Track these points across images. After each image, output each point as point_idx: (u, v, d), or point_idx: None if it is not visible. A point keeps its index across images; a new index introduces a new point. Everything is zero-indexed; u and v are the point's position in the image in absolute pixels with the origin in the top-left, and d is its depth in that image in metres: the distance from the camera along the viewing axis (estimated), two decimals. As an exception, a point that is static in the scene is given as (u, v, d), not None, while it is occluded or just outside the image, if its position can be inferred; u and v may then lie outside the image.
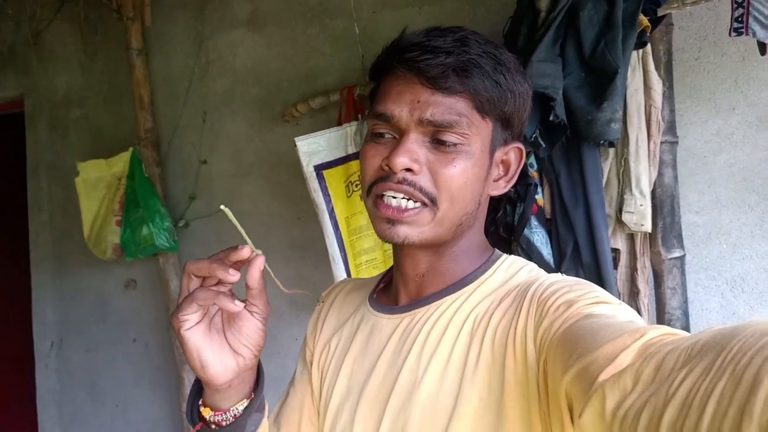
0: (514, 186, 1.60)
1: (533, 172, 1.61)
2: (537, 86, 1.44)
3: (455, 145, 0.71)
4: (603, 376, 0.47)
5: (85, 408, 2.83)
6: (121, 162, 2.51)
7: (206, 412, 0.74)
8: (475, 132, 0.72)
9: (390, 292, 0.87)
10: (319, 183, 1.95)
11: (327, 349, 0.88)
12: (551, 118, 1.46)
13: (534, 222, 1.60)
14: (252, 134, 2.46)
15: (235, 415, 0.74)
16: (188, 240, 2.57)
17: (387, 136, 0.74)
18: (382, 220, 0.74)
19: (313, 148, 1.95)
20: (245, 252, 0.68)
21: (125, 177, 2.48)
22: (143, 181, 2.45)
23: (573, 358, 0.53)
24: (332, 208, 1.95)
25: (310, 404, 0.91)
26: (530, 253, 1.58)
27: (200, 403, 0.75)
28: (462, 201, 0.73)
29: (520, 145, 0.79)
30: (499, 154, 0.76)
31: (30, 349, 2.96)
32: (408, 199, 0.72)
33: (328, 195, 1.95)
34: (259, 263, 0.69)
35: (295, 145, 1.94)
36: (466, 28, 0.75)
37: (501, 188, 0.79)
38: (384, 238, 0.74)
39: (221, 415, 0.74)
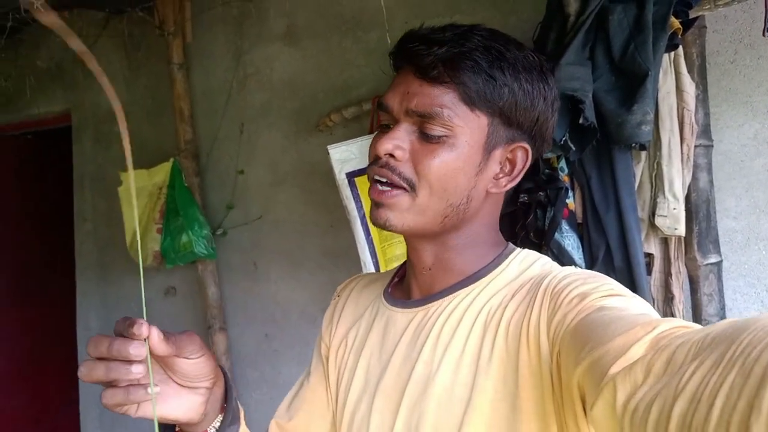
0: (545, 190, 1.60)
1: (564, 176, 1.61)
2: (566, 89, 1.44)
3: (439, 137, 0.72)
4: (614, 369, 0.48)
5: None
6: (162, 172, 2.59)
7: None
8: (460, 124, 0.72)
9: (403, 287, 0.88)
10: (351, 190, 1.97)
11: (344, 343, 0.89)
12: (581, 121, 1.46)
13: (565, 226, 1.59)
14: (287, 145, 2.52)
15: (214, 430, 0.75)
16: (226, 248, 2.63)
17: (390, 126, 0.77)
18: (372, 204, 0.76)
19: (346, 155, 1.98)
20: (143, 330, 0.62)
21: (166, 186, 2.56)
22: (183, 190, 2.52)
23: (585, 350, 0.54)
24: (364, 215, 1.98)
25: (323, 398, 0.91)
26: (561, 258, 1.57)
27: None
28: (443, 192, 0.73)
29: (527, 146, 0.77)
30: (501, 152, 0.76)
31: (74, 354, 3.05)
32: (388, 183, 0.74)
33: (360, 202, 1.97)
34: (155, 336, 0.63)
35: (328, 153, 1.98)
36: (485, 27, 0.75)
37: (502, 187, 0.78)
38: (372, 221, 0.76)
39: None
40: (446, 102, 0.71)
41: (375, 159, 0.76)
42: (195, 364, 0.67)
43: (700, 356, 0.40)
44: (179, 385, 0.69)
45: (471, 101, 0.72)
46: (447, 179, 0.73)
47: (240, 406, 0.81)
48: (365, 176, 1.96)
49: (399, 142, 0.73)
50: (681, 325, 0.49)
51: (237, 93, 2.62)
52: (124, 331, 0.62)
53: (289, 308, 2.52)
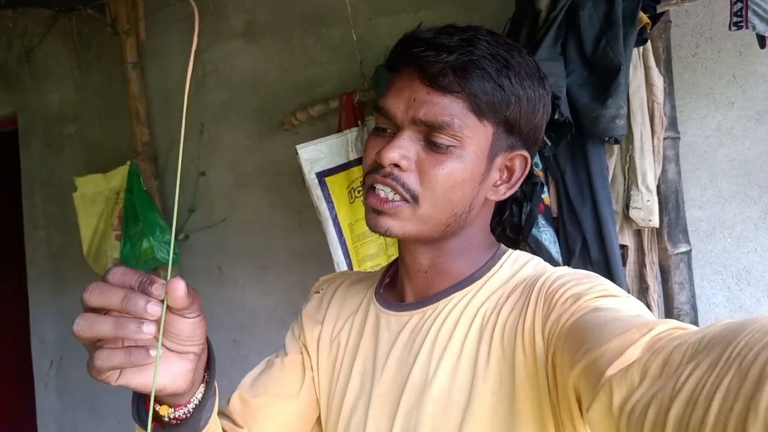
0: (520, 186, 1.60)
1: (539, 171, 1.61)
2: (541, 85, 1.45)
3: (447, 147, 0.70)
4: (611, 371, 0.48)
5: (86, 426, 2.80)
6: (119, 176, 2.50)
7: (164, 410, 0.66)
8: (469, 135, 0.71)
9: (396, 289, 0.86)
10: (322, 190, 1.95)
11: (336, 344, 0.87)
12: (556, 116, 1.47)
13: (541, 221, 1.60)
14: (250, 145, 2.46)
15: (195, 405, 0.67)
16: (189, 252, 2.55)
17: (388, 130, 0.75)
18: (369, 210, 0.74)
19: (315, 155, 1.95)
20: (162, 292, 0.54)
21: (123, 191, 2.47)
22: (142, 194, 2.44)
23: (581, 352, 0.54)
24: (335, 215, 1.95)
25: (294, 385, 0.88)
26: (539, 252, 1.58)
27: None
28: (447, 202, 0.72)
29: (526, 154, 0.76)
30: (501, 160, 0.75)
31: (29, 369, 2.92)
32: (392, 192, 0.72)
33: (331, 202, 1.94)
34: (182, 286, 0.54)
35: (297, 153, 1.94)
36: (484, 29, 0.74)
37: (501, 194, 0.78)
38: (370, 227, 0.75)
39: (181, 409, 0.66)
40: (456, 112, 0.70)
41: (376, 166, 0.73)
42: (191, 324, 0.59)
43: (696, 358, 0.40)
44: (168, 349, 0.60)
45: (480, 111, 0.70)
46: (454, 190, 0.72)
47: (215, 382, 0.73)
48: (336, 176, 1.96)
49: (405, 152, 0.71)
50: (677, 326, 0.49)
51: (195, 92, 2.54)
52: (140, 286, 0.53)
53: (257, 313, 2.47)
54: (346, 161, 1.95)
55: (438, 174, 0.70)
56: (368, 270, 1.94)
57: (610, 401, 0.46)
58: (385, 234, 0.73)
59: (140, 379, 0.56)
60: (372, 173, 0.74)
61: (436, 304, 0.77)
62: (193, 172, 2.54)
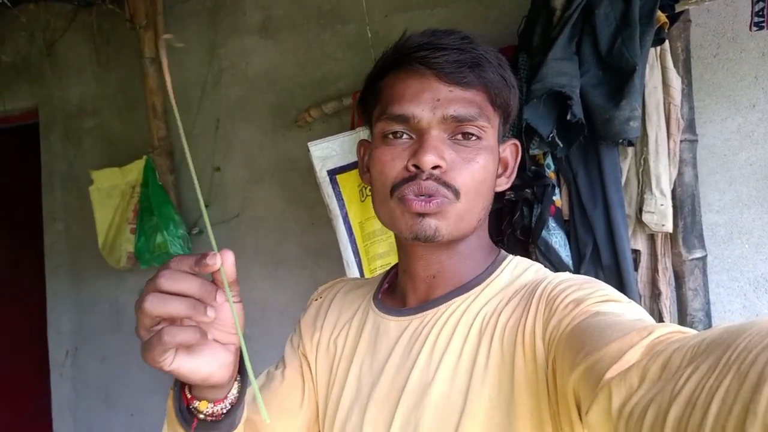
0: (531, 187, 1.58)
1: (551, 173, 1.59)
2: (554, 85, 1.42)
3: (477, 138, 0.73)
4: (610, 374, 0.48)
5: (100, 417, 2.83)
6: (135, 170, 2.51)
7: (203, 406, 0.66)
8: (490, 125, 0.74)
9: (395, 294, 0.86)
10: (333, 188, 1.94)
11: (332, 349, 0.87)
12: (569, 117, 1.44)
13: (552, 223, 1.57)
14: (265, 141, 2.46)
15: (232, 401, 0.68)
16: (202, 247, 2.56)
17: (404, 137, 0.73)
18: (412, 216, 0.72)
19: (327, 152, 1.94)
20: (216, 260, 0.58)
21: (139, 185, 2.49)
22: (157, 188, 2.45)
23: (580, 355, 0.54)
24: (346, 213, 1.94)
25: (296, 399, 0.87)
26: (549, 255, 1.56)
27: (189, 398, 0.67)
28: (482, 195, 0.74)
29: (516, 141, 0.81)
30: (500, 150, 0.78)
31: (45, 359, 2.96)
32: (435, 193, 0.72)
33: (342, 200, 1.93)
34: (231, 258, 0.59)
35: (308, 150, 1.93)
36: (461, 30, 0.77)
37: (503, 185, 0.80)
38: (411, 233, 0.72)
39: (220, 404, 0.67)
40: (480, 103, 0.73)
41: (407, 175, 0.72)
42: (235, 310, 0.61)
43: (695, 361, 0.40)
44: (214, 340, 0.63)
45: (495, 102, 0.74)
46: (485, 182, 0.74)
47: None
48: (347, 173, 1.94)
49: (441, 151, 0.71)
50: (676, 330, 0.49)
51: (212, 87, 2.55)
52: (195, 266, 0.57)
53: (269, 308, 2.48)
54: (357, 159, 1.94)
55: (473, 168, 0.72)
56: (377, 269, 1.93)
57: (609, 404, 0.46)
58: (433, 237, 0.72)
59: (190, 364, 0.59)
60: (408, 182, 0.72)
61: (436, 309, 0.77)
62: (208, 167, 2.55)
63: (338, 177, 1.93)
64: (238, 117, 2.51)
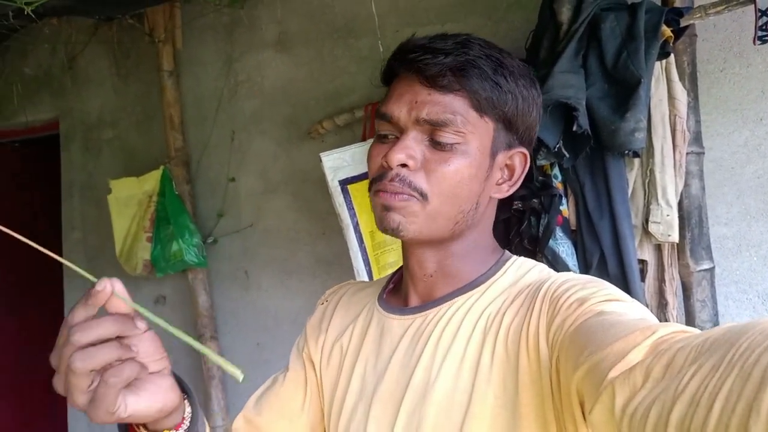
0: (539, 197, 1.60)
1: (558, 183, 1.61)
2: (560, 97, 1.45)
3: (451, 144, 0.72)
4: (613, 373, 0.48)
5: (115, 424, 2.86)
6: (152, 180, 2.57)
7: None
8: (471, 131, 0.73)
9: (399, 294, 0.87)
10: (344, 197, 1.97)
11: (338, 349, 0.88)
12: (575, 128, 1.47)
13: (559, 233, 1.59)
14: (279, 152, 2.51)
15: (189, 418, 0.68)
16: (216, 256, 2.61)
17: (390, 136, 0.76)
18: (381, 209, 0.75)
19: (338, 163, 1.98)
20: (107, 288, 0.59)
21: (156, 194, 2.54)
22: (173, 198, 2.50)
23: (584, 355, 0.54)
24: (357, 223, 1.97)
25: (297, 401, 0.89)
26: (556, 265, 1.57)
27: None
28: (455, 199, 0.74)
29: (525, 151, 0.79)
30: (502, 157, 0.77)
31: (62, 365, 3.01)
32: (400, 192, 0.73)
33: (353, 209, 1.97)
34: (119, 283, 0.61)
35: (321, 161, 1.97)
36: (474, 35, 0.76)
37: (504, 192, 0.79)
38: (381, 226, 0.75)
39: (181, 427, 0.67)
40: (458, 109, 0.72)
41: (382, 171, 0.75)
42: (151, 338, 0.61)
43: (699, 360, 0.40)
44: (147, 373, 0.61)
45: (480, 108, 0.73)
46: (460, 186, 0.73)
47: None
48: (358, 183, 1.98)
49: (411, 151, 0.72)
50: (680, 329, 0.49)
51: (228, 100, 2.61)
52: (89, 303, 0.58)
53: (280, 317, 2.51)
54: (369, 170, 1.97)
55: (445, 170, 0.72)
56: (387, 278, 1.95)
57: (613, 403, 0.46)
58: (396, 231, 0.73)
59: (144, 402, 0.59)
60: (379, 180, 0.75)
61: (439, 307, 0.78)
62: (223, 177, 2.60)
63: (349, 187, 1.97)
64: (253, 129, 2.56)
